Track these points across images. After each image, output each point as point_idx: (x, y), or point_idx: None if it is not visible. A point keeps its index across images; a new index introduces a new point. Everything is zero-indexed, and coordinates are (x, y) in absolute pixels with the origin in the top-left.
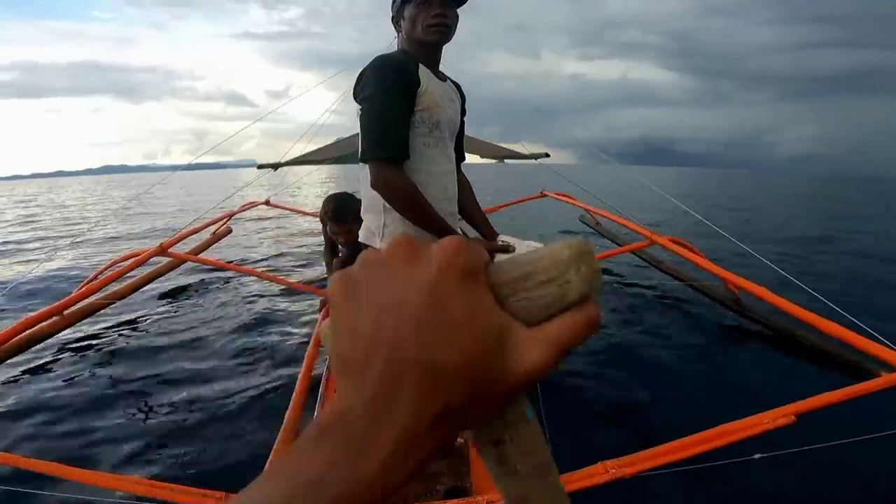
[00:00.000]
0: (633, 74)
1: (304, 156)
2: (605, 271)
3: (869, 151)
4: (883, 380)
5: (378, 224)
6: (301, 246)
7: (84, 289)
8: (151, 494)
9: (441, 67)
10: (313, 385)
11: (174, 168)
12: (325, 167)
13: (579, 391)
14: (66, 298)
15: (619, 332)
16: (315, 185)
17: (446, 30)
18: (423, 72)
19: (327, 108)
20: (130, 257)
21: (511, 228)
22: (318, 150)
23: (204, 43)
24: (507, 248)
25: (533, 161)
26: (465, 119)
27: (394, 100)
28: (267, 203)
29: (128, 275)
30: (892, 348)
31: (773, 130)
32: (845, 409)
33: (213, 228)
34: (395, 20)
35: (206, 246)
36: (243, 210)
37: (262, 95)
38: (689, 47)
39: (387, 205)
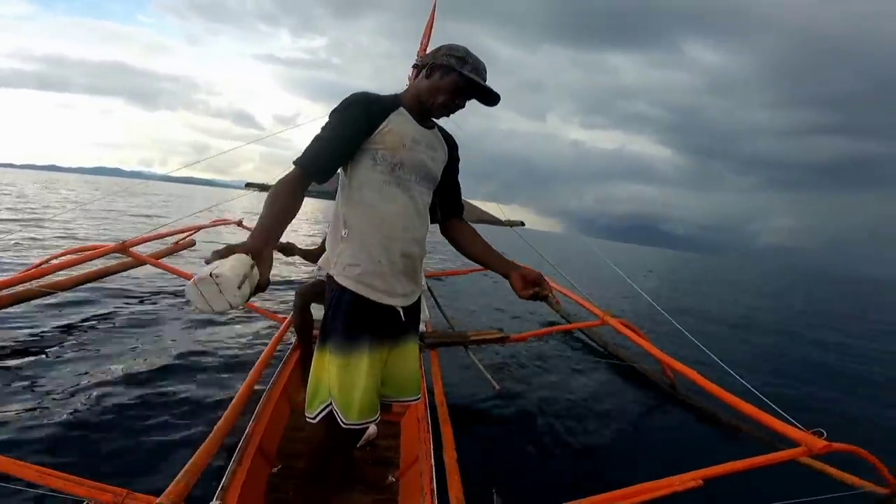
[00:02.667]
0: (631, 147)
1: None
2: (556, 346)
3: (846, 249)
4: (781, 454)
5: (334, 251)
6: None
7: (25, 273)
8: (47, 483)
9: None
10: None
11: (167, 179)
12: (318, 203)
13: (523, 440)
14: (3, 280)
15: (564, 397)
16: (302, 220)
17: (448, 114)
18: (399, 116)
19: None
20: (88, 250)
21: (477, 294)
22: None
23: (228, 60)
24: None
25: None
26: (456, 173)
27: (335, 128)
28: (239, 224)
29: (81, 268)
30: (796, 426)
31: (757, 218)
32: (749, 478)
33: (178, 237)
34: (421, 68)
35: (167, 254)
36: (214, 225)
37: (269, 119)
38: (688, 124)
39: (344, 234)
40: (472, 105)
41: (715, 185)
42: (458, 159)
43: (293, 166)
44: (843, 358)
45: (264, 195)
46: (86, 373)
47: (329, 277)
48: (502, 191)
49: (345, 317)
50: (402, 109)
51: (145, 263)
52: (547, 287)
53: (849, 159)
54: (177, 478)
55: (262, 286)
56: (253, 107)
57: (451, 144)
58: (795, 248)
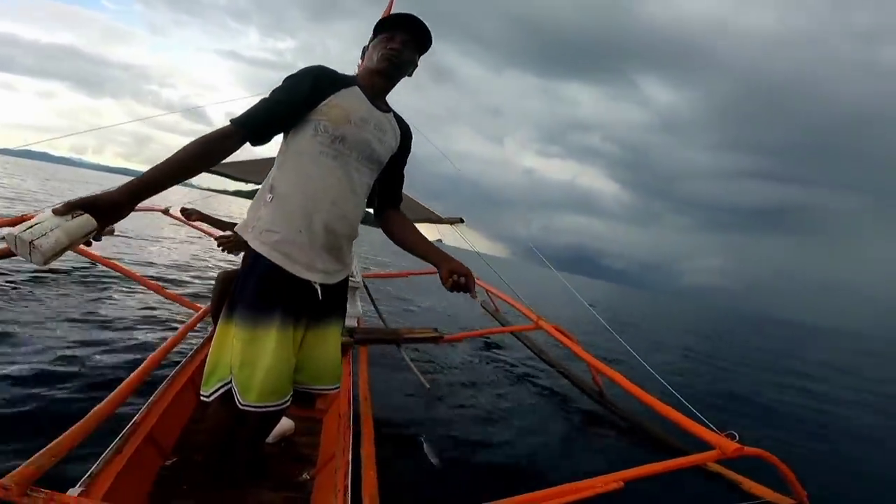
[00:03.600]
0: (582, 179)
1: (229, 165)
2: (491, 350)
3: (765, 290)
4: (697, 457)
5: (254, 216)
6: (184, 265)
7: None
8: None
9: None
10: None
11: (103, 168)
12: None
13: (448, 440)
14: None
15: (495, 400)
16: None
17: (396, 61)
18: (350, 92)
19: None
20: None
21: (413, 294)
22: (255, 162)
23: (190, 54)
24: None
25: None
26: (404, 164)
27: (280, 94)
28: (164, 211)
29: None
30: (711, 428)
31: (686, 258)
32: (669, 482)
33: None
34: (364, 50)
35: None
36: (139, 211)
37: (223, 117)
38: (637, 160)
39: (269, 199)
40: (433, 124)
41: (655, 222)
42: (409, 150)
43: (229, 123)
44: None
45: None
46: None
47: (244, 244)
48: (452, 211)
49: (255, 285)
50: (355, 87)
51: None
52: (471, 280)
53: (774, 205)
54: (29, 459)
55: (98, 237)
56: (206, 101)
57: (405, 133)
58: (719, 288)
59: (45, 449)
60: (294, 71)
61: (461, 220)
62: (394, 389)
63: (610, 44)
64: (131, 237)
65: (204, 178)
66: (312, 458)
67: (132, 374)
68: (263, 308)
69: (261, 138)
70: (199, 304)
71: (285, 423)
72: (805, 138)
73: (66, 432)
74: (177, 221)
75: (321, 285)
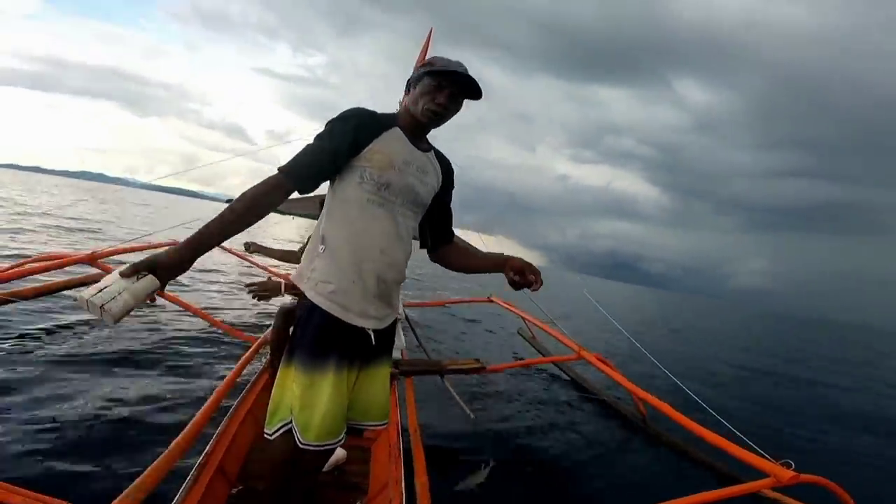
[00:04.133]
0: (617, 184)
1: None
2: (531, 378)
3: (817, 292)
4: (750, 485)
5: (308, 267)
6: (238, 298)
7: None
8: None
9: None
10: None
11: (154, 188)
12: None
13: (496, 470)
14: None
15: (538, 430)
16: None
17: (439, 119)
18: (392, 135)
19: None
20: (55, 258)
21: (451, 324)
22: (300, 199)
23: (225, 70)
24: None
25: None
26: (449, 200)
27: (326, 140)
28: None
29: (44, 278)
30: (763, 456)
31: (732, 260)
32: None
33: (150, 253)
34: (409, 84)
35: (138, 250)
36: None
37: (262, 134)
38: (675, 162)
39: (321, 250)
40: (462, 134)
41: (696, 225)
42: (452, 186)
43: (276, 171)
44: (814, 395)
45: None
46: (41, 386)
47: (300, 293)
48: (486, 221)
49: (313, 334)
50: (396, 129)
51: None
52: (529, 273)
53: (821, 203)
54: (124, 492)
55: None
56: (246, 120)
57: (445, 170)
58: (768, 291)
59: (136, 482)
60: (337, 89)
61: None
62: (439, 419)
63: (641, 45)
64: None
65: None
66: (363, 486)
67: (203, 408)
68: (320, 355)
69: (306, 188)
70: (252, 336)
71: (338, 453)
72: (851, 134)
73: (152, 466)
74: (231, 254)
75: (373, 330)
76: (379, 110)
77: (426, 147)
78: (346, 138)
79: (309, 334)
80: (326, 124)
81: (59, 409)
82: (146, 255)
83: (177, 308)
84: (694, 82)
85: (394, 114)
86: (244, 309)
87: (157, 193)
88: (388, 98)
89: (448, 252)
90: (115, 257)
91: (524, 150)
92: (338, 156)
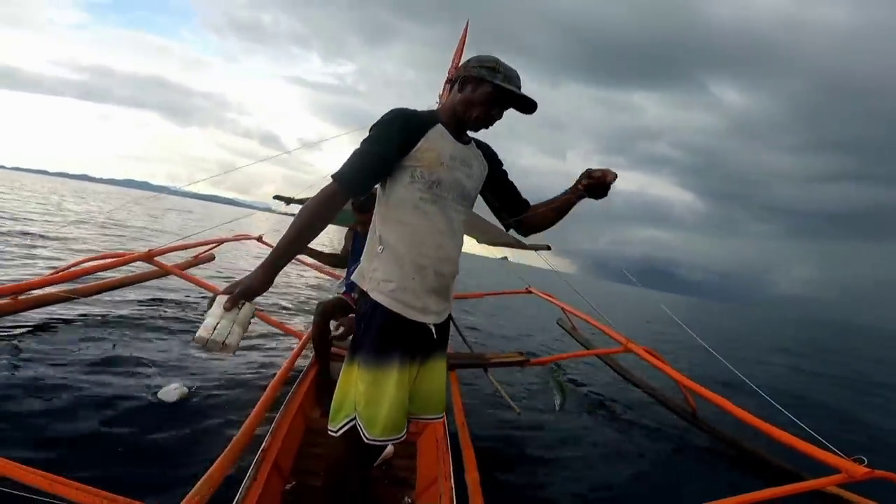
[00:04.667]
0: (651, 190)
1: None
2: (575, 371)
3: (866, 300)
4: (819, 481)
5: (369, 267)
6: (283, 293)
7: (47, 278)
8: (59, 492)
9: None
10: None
11: (193, 196)
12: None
13: (544, 466)
14: (24, 283)
15: (585, 424)
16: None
17: (485, 127)
18: (437, 132)
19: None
20: (114, 256)
21: (492, 317)
22: None
23: (260, 80)
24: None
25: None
26: (504, 174)
27: (373, 144)
28: (259, 239)
29: (103, 275)
30: (833, 451)
31: (774, 267)
32: None
33: (201, 249)
34: (455, 81)
35: (186, 267)
36: (236, 240)
37: (294, 142)
38: (711, 167)
39: (380, 250)
40: (492, 142)
41: (735, 231)
42: (500, 163)
43: (331, 180)
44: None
45: (284, 218)
46: (100, 381)
47: (362, 293)
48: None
49: (376, 332)
50: (439, 126)
51: (169, 274)
52: (602, 176)
53: (868, 208)
54: (192, 491)
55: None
56: (279, 128)
57: (487, 154)
58: (813, 298)
59: (202, 478)
60: (366, 97)
61: (547, 247)
62: (483, 413)
63: (674, 48)
64: (229, 265)
65: (284, 205)
66: (410, 481)
67: (258, 404)
68: (384, 353)
69: (359, 193)
70: (297, 330)
71: (387, 447)
72: (889, 133)
73: (215, 463)
74: (270, 249)
75: (433, 325)
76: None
77: (467, 139)
78: (394, 140)
79: (372, 333)
80: (372, 128)
81: (117, 409)
82: (196, 253)
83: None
84: (730, 84)
85: (434, 111)
86: (289, 303)
87: (196, 201)
88: (415, 104)
89: (533, 216)
90: (170, 255)
91: (555, 157)
92: (387, 159)
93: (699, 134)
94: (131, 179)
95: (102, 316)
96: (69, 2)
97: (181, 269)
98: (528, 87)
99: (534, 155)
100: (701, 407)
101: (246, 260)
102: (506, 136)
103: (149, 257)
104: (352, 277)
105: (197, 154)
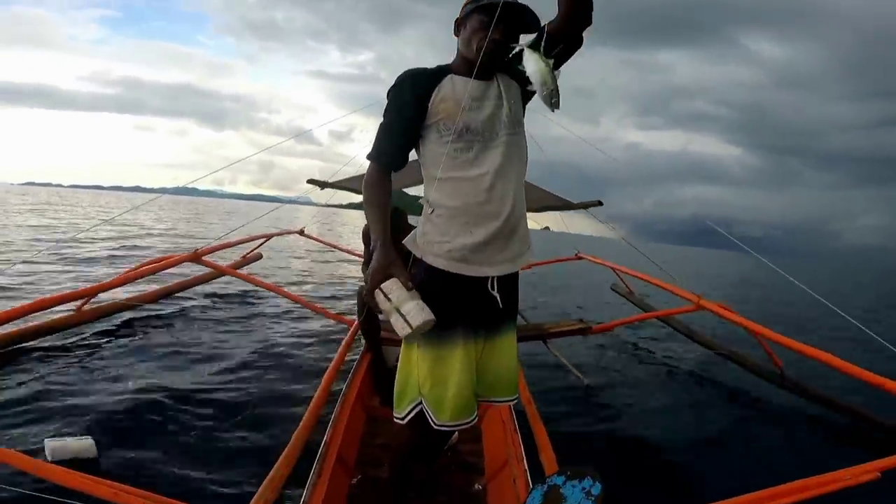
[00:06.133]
0: (693, 147)
1: (350, 179)
2: (643, 336)
3: None
4: None
5: (420, 232)
6: (329, 282)
7: (104, 283)
8: (118, 500)
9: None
10: (328, 405)
11: (238, 196)
12: None
13: (621, 440)
14: (85, 289)
15: (660, 395)
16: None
17: (498, 56)
18: (448, 81)
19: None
20: (161, 260)
21: (538, 288)
22: (357, 177)
23: (283, 78)
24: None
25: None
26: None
27: (392, 118)
28: (301, 233)
29: (154, 278)
30: None
31: (841, 217)
32: None
33: (246, 247)
34: (457, 25)
35: (237, 267)
36: (280, 234)
37: (326, 135)
38: (758, 120)
39: (430, 212)
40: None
41: (793, 183)
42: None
43: (370, 162)
44: None
45: (324, 210)
46: (154, 381)
47: (416, 260)
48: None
49: (436, 302)
50: (450, 75)
51: (222, 273)
52: None
53: None
54: (256, 494)
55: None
56: (310, 122)
57: (515, 74)
58: (887, 248)
59: (266, 482)
60: (388, 83)
61: (600, 203)
62: (548, 386)
63: (699, 4)
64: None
65: (323, 195)
66: (479, 466)
67: (315, 396)
68: (446, 327)
69: (398, 164)
70: (348, 318)
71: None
72: None
73: (279, 461)
74: (311, 241)
75: (499, 280)
76: None
77: (491, 76)
78: (409, 103)
79: (432, 302)
80: (388, 95)
81: (175, 404)
82: (243, 253)
83: (281, 300)
84: (764, 37)
85: (447, 64)
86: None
87: (242, 202)
88: None
89: (559, 14)
90: (218, 252)
91: (588, 123)
92: (408, 123)
93: (741, 89)
94: (182, 187)
95: (151, 316)
96: (84, 18)
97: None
98: None
99: (565, 124)
100: (788, 365)
101: (293, 253)
102: (533, 108)
103: (196, 258)
104: (404, 241)
105: (235, 155)
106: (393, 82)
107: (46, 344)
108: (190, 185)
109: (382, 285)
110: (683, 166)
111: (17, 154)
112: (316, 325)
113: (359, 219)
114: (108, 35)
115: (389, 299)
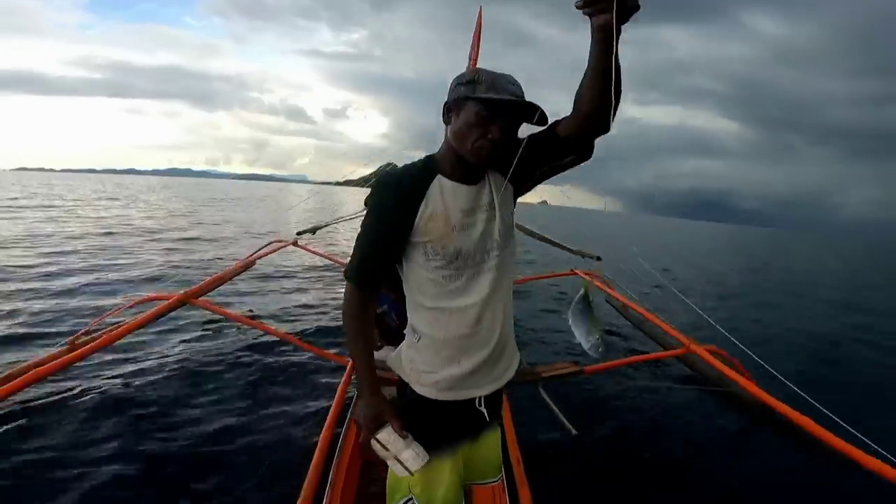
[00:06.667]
0: (691, 122)
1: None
2: (639, 377)
3: None
4: None
5: (407, 356)
6: (321, 304)
7: (91, 336)
8: None
9: None
10: (331, 447)
11: (234, 176)
12: None
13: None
14: (76, 336)
15: (656, 437)
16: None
17: (492, 154)
18: (436, 190)
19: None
20: (150, 301)
21: (529, 306)
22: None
23: (275, 57)
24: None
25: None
26: (537, 139)
27: (375, 231)
28: (295, 244)
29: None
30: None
31: (838, 191)
32: None
33: (236, 273)
34: (447, 109)
35: (226, 279)
36: (271, 252)
37: (320, 113)
38: (756, 96)
39: (415, 340)
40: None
41: (788, 157)
42: (530, 140)
43: (347, 281)
44: None
45: (319, 188)
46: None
47: (403, 381)
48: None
49: (425, 428)
50: (438, 178)
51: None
52: None
53: None
54: None
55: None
56: (304, 101)
57: (504, 168)
58: (885, 221)
59: None
60: (383, 61)
61: (598, 258)
62: (535, 438)
63: None
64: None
65: (319, 173)
66: None
67: (317, 450)
68: (434, 447)
69: (377, 285)
70: (344, 357)
71: None
72: None
73: None
74: (306, 252)
75: (486, 398)
76: (426, 76)
77: (479, 176)
78: (392, 217)
79: (421, 428)
80: (365, 202)
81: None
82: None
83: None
84: (763, 14)
85: (430, 158)
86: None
87: (238, 182)
88: (430, 65)
89: (572, 115)
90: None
91: None
92: (392, 241)
93: (740, 65)
94: (174, 168)
95: (145, 357)
96: (68, 3)
97: (219, 285)
98: (544, 33)
99: (559, 100)
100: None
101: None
102: (528, 83)
103: (186, 300)
104: (388, 361)
105: (229, 136)
106: (375, 184)
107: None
108: (183, 167)
109: (378, 436)
110: (682, 140)
111: (7, 140)
112: (307, 361)
113: (355, 193)
114: (94, 20)
115: (387, 448)
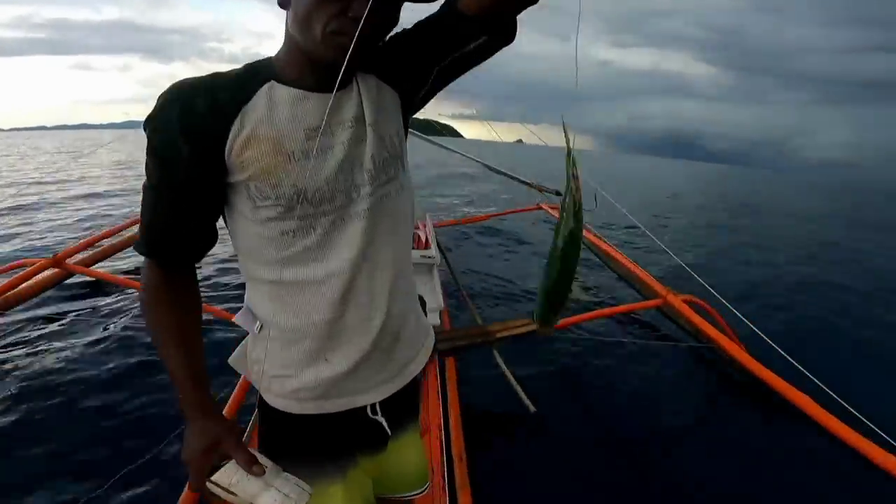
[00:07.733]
0: (666, 65)
1: None
2: (607, 332)
3: None
4: None
5: (251, 356)
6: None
7: None
8: None
9: None
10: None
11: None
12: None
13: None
14: None
15: (628, 412)
16: None
17: (359, 43)
18: (260, 103)
19: None
20: (16, 268)
21: (493, 249)
22: None
23: (230, 5)
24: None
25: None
26: (416, 34)
27: (155, 183)
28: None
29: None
30: None
31: (804, 133)
32: None
33: (118, 238)
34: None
35: (114, 251)
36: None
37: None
38: (734, 42)
39: (257, 328)
40: None
41: (760, 100)
42: (405, 36)
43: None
44: None
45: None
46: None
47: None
48: (531, 111)
49: (295, 451)
50: (272, 84)
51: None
52: None
53: None
54: None
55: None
56: (267, 49)
57: (385, 67)
58: (852, 163)
59: None
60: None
61: (558, 193)
62: (487, 419)
63: None
64: None
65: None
66: None
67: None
68: (314, 473)
69: (177, 260)
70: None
71: None
72: None
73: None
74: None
75: (385, 403)
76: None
77: (347, 78)
78: (181, 157)
79: (290, 451)
80: (147, 149)
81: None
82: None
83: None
84: None
85: (262, 61)
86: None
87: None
88: (411, 10)
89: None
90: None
91: (558, 41)
92: (190, 191)
93: (718, 11)
94: (131, 121)
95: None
96: None
97: (105, 258)
98: None
99: (535, 41)
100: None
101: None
102: None
103: (57, 263)
104: (230, 361)
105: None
106: (155, 106)
107: None
108: (140, 119)
109: (214, 477)
110: (656, 83)
111: None
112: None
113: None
114: None
115: (233, 493)
